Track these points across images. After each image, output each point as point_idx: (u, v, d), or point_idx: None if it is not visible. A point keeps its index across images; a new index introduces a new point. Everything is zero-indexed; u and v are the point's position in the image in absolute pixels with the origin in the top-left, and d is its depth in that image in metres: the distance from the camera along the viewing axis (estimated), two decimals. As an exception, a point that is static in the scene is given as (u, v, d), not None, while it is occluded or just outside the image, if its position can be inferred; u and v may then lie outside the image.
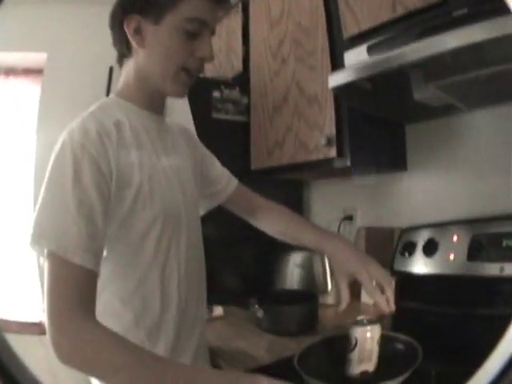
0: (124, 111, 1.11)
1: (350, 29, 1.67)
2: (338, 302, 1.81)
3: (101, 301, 0.93)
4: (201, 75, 1.54)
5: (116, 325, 0.92)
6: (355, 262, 1.19)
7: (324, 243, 1.28)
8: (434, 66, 1.35)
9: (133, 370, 0.81)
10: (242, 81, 2.33)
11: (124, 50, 1.13)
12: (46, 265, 0.88)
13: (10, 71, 3.28)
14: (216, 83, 2.21)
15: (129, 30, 1.07)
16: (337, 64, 1.76)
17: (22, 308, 3.11)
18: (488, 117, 1.73)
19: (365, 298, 1.88)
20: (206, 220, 1.41)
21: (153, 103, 1.17)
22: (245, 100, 2.28)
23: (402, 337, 1.25)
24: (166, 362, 0.93)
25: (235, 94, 2.24)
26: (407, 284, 1.84)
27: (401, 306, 1.74)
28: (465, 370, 1.09)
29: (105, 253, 0.98)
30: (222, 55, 2.47)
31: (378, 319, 1.23)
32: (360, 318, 1.16)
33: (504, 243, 1.54)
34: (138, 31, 1.07)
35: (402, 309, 1.73)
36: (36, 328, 2.98)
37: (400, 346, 1.23)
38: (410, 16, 1.46)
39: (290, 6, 2.03)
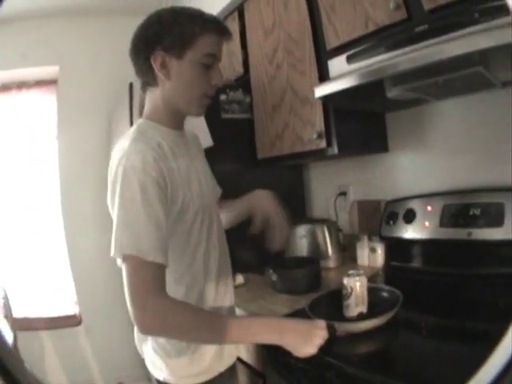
0: (158, 133, 1.29)
1: (331, 41, 1.90)
2: (338, 265, 2.15)
3: None
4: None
5: None
6: (267, 204, 1.53)
7: (246, 199, 1.61)
8: (399, 76, 1.53)
9: (201, 327, 1.11)
10: (244, 82, 2.55)
11: (150, 80, 1.31)
12: (124, 266, 1.10)
13: (23, 84, 3.42)
14: (222, 87, 2.40)
15: (156, 65, 1.25)
16: (323, 70, 1.98)
17: (51, 304, 3.32)
18: (453, 104, 1.95)
19: (359, 260, 2.19)
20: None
21: (177, 122, 1.38)
22: (248, 99, 2.52)
23: (386, 287, 1.57)
24: (223, 317, 1.25)
25: (239, 95, 2.49)
26: (393, 247, 2.10)
27: (391, 265, 2.07)
28: (448, 320, 1.43)
29: None
30: (224, 59, 2.59)
31: (372, 276, 1.54)
32: (350, 271, 1.47)
33: (471, 212, 1.77)
34: (163, 65, 1.25)
35: (391, 267, 2.06)
36: (68, 321, 3.24)
37: (385, 294, 1.54)
38: (380, 31, 1.68)
39: (281, 17, 2.25)
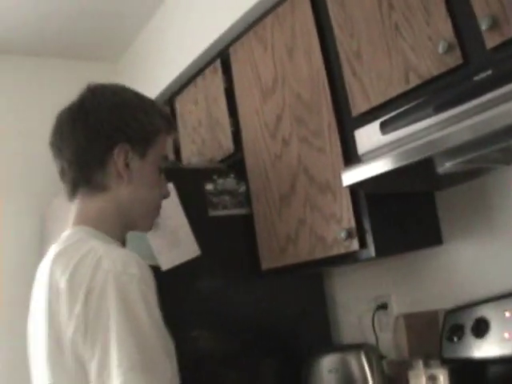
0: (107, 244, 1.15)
1: (358, 103, 1.76)
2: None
3: None
4: (187, 164, 1.83)
5: None
6: None
7: None
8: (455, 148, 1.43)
9: None
10: (236, 163, 2.36)
11: (94, 180, 1.14)
12: None
13: None
14: (207, 173, 2.24)
15: (119, 161, 1.11)
16: (347, 144, 1.83)
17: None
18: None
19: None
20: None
21: (122, 237, 1.24)
22: (243, 188, 2.32)
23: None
24: None
25: (230, 182, 2.30)
26: (461, 372, 1.89)
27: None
28: None
29: None
30: (204, 129, 2.49)
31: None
32: None
33: None
34: (127, 164, 1.13)
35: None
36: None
37: None
38: (426, 84, 1.56)
39: (285, 70, 2.09)
